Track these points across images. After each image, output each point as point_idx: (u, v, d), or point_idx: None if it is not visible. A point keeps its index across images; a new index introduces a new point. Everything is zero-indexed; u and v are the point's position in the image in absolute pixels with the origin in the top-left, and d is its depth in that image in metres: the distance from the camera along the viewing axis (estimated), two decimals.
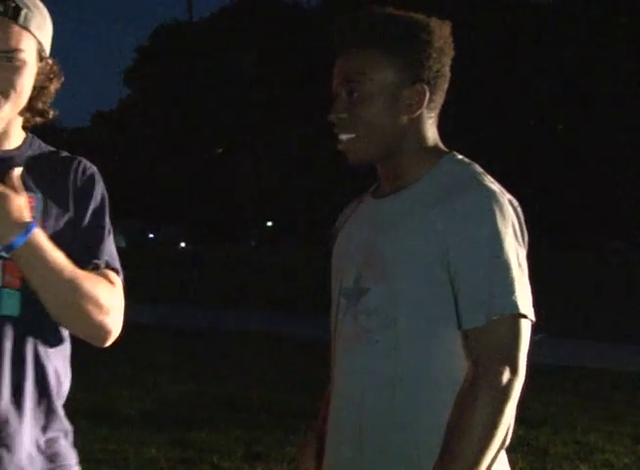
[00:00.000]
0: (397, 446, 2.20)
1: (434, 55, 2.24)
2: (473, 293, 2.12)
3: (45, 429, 2.35)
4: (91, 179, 2.40)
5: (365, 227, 2.33)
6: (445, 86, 2.30)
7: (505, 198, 2.19)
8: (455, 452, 2.06)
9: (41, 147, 2.42)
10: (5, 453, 2.26)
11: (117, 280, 2.36)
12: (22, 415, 2.29)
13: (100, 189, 2.41)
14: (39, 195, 2.31)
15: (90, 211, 2.37)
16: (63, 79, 2.39)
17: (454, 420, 2.10)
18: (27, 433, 2.30)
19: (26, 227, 2.17)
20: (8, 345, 2.27)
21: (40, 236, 2.19)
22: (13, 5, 2.24)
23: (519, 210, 2.23)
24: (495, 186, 2.21)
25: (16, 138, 2.38)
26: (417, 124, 2.27)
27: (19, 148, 2.38)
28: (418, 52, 2.23)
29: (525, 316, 2.12)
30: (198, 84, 53.08)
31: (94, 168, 2.43)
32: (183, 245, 66.42)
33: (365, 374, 2.24)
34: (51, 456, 2.36)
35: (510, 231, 2.14)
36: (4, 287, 2.27)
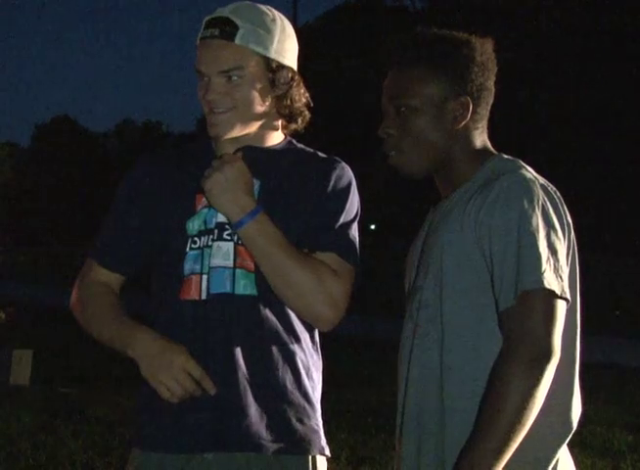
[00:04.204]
0: (452, 438, 2.24)
1: (477, 69, 2.36)
2: (504, 275, 2.17)
3: (288, 404, 2.51)
4: (344, 181, 2.59)
5: (423, 233, 2.46)
6: (490, 99, 2.41)
7: (536, 182, 2.26)
8: (484, 434, 2.08)
9: (297, 149, 2.65)
10: (234, 419, 2.45)
11: (343, 267, 2.52)
12: (257, 386, 2.47)
13: (351, 189, 2.60)
14: (258, 183, 2.52)
15: (327, 204, 2.55)
16: (301, 87, 2.60)
17: (484, 401, 2.14)
18: (264, 404, 2.48)
19: (254, 208, 2.43)
20: (250, 322, 2.48)
21: (265, 217, 2.43)
22: (229, 26, 2.47)
23: (554, 194, 2.29)
24: (529, 173, 2.29)
25: (273, 141, 2.62)
26: (464, 134, 2.38)
27: (274, 147, 2.61)
28: (460, 67, 2.35)
29: (556, 296, 2.14)
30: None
31: (349, 172, 2.62)
32: None
33: (419, 367, 2.31)
34: (287, 433, 2.50)
35: (538, 212, 2.19)
36: (237, 268, 2.48)
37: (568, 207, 2.33)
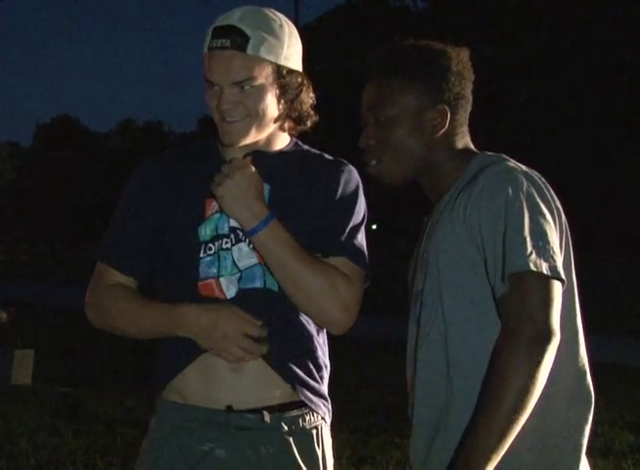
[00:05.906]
0: (456, 434, 2.24)
1: (453, 78, 2.41)
2: (496, 263, 2.19)
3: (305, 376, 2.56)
4: (352, 185, 2.63)
5: (420, 241, 2.49)
6: (468, 107, 2.46)
7: (519, 170, 2.29)
8: (486, 418, 2.08)
9: (304, 151, 2.68)
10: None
11: (354, 271, 2.55)
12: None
13: (358, 192, 2.64)
14: (268, 187, 2.54)
15: (336, 209, 2.58)
16: (310, 89, 2.64)
17: (485, 385, 2.14)
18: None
19: (267, 214, 2.45)
20: (273, 316, 2.51)
21: (278, 224, 2.45)
22: (239, 36, 2.45)
23: (539, 180, 2.31)
24: (511, 163, 2.33)
25: (280, 143, 2.65)
26: (444, 142, 2.42)
27: (281, 150, 2.64)
28: (437, 76, 2.40)
29: (548, 277, 2.15)
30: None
31: (356, 175, 2.66)
32: None
33: (426, 368, 2.34)
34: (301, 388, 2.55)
35: (522, 198, 2.22)
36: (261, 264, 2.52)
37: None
